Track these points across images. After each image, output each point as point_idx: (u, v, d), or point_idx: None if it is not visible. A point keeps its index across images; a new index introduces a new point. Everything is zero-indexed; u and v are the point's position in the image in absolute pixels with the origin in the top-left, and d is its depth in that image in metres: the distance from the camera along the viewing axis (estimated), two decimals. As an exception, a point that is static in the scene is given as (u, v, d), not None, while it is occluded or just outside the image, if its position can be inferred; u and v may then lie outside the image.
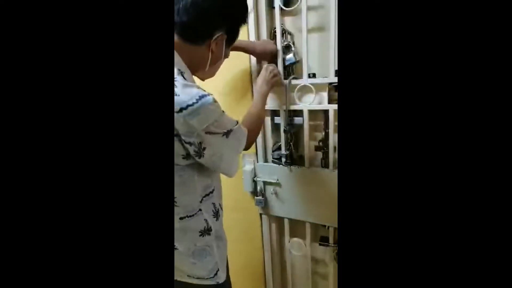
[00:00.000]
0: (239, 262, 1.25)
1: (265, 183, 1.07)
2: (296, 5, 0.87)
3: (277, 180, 1.04)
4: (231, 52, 0.99)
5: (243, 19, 0.68)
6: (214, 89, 1.07)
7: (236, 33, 0.69)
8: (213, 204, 0.74)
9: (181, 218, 0.68)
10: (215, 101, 0.60)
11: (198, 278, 0.75)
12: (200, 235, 0.71)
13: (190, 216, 0.69)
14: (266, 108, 0.99)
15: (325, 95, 0.91)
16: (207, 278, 0.75)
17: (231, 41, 0.69)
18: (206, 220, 0.71)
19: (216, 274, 0.76)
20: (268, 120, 1.03)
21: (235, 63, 1.01)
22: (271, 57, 0.94)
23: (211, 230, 0.73)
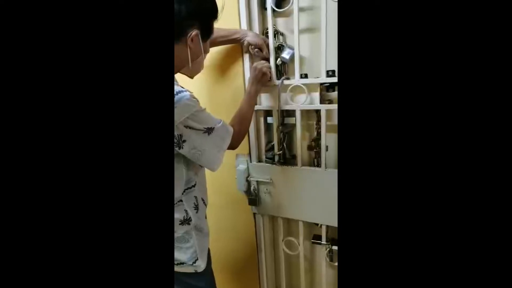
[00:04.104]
0: (233, 261, 1.25)
1: (258, 182, 1.07)
2: (288, 7, 0.88)
3: (270, 179, 1.04)
4: (225, 48, 0.98)
5: (213, 15, 0.72)
6: (207, 89, 1.07)
7: (209, 29, 0.73)
8: (195, 197, 0.80)
9: None
10: (193, 97, 0.66)
11: (177, 264, 0.80)
12: (180, 224, 0.77)
13: None
14: (259, 108, 1.00)
15: (317, 95, 0.92)
16: (186, 264, 0.80)
17: (206, 36, 0.73)
18: (186, 211, 0.77)
19: (194, 262, 0.81)
20: (261, 120, 1.04)
21: (228, 58, 1.01)
22: (264, 42, 0.93)
23: (191, 220, 0.79)
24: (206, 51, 0.76)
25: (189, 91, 0.66)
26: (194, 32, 0.67)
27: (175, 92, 0.63)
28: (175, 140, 0.67)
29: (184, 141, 0.68)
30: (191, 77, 0.79)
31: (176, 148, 0.69)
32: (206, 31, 0.72)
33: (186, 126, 0.67)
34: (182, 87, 0.66)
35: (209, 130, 0.70)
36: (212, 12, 0.72)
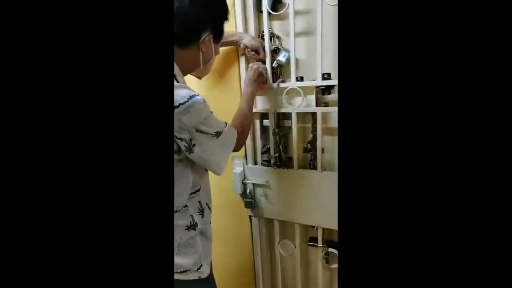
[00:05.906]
0: (229, 264, 1.24)
1: (254, 185, 1.07)
2: (283, 10, 0.88)
3: (266, 182, 1.04)
4: (221, 50, 1.00)
5: (225, 17, 0.74)
6: (201, 88, 1.07)
7: (221, 31, 0.74)
8: (199, 202, 0.78)
9: None
10: (204, 101, 0.66)
11: (182, 272, 0.77)
12: (186, 229, 0.76)
13: (178, 211, 0.74)
14: (255, 111, 1.00)
15: (312, 98, 0.93)
16: (190, 271, 0.78)
17: (217, 38, 0.74)
18: (192, 216, 0.76)
19: (199, 268, 0.79)
20: (257, 123, 1.04)
21: (224, 62, 1.01)
22: (260, 45, 0.94)
23: (196, 226, 0.78)
24: (217, 53, 0.77)
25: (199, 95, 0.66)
26: (207, 36, 0.69)
27: (188, 97, 0.63)
28: (186, 145, 0.66)
29: (194, 145, 0.67)
30: (199, 78, 0.81)
31: (186, 153, 0.68)
32: (218, 33, 0.73)
33: (198, 130, 0.66)
34: (193, 91, 0.66)
35: (217, 134, 0.70)
36: (225, 14, 0.73)
